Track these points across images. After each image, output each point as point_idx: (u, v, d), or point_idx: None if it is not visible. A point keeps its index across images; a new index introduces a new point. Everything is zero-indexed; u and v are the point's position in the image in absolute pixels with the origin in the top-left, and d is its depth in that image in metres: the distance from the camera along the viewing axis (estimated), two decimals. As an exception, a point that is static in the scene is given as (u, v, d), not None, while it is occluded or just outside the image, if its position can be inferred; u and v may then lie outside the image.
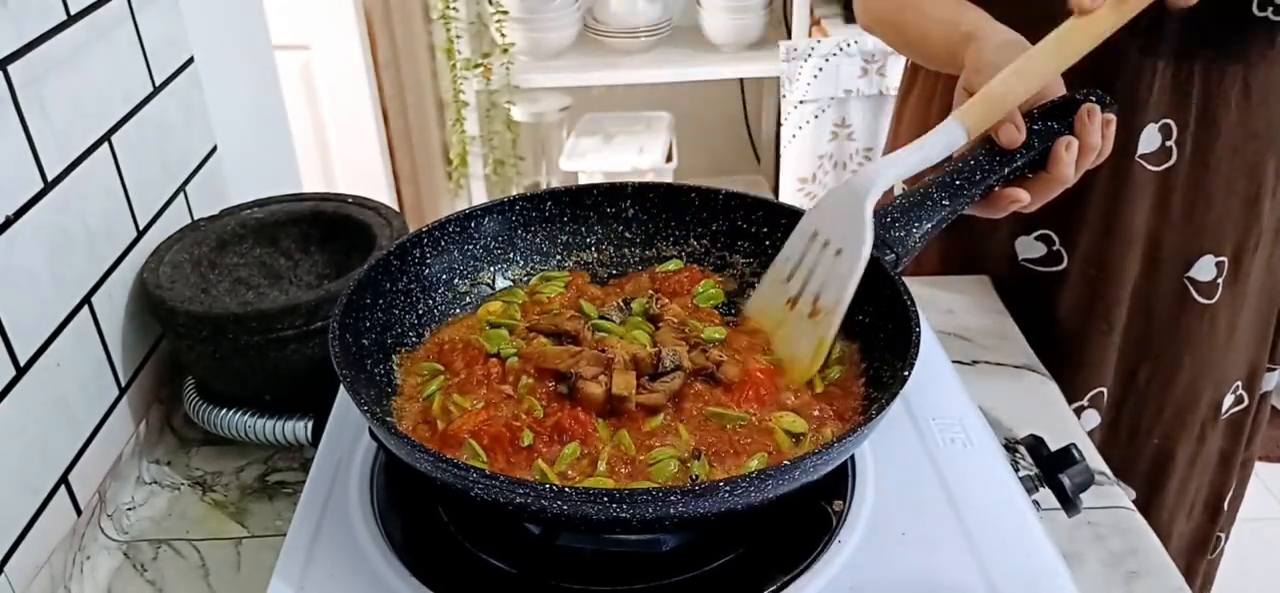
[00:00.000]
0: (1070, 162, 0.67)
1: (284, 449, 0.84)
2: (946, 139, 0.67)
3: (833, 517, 0.60)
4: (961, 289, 1.01)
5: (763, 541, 0.59)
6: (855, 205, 0.65)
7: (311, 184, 1.39)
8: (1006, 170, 0.68)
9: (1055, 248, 0.97)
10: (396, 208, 1.87)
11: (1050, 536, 0.60)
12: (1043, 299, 1.00)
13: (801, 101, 2.25)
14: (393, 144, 2.36)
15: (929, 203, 0.68)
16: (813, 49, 2.18)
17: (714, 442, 0.60)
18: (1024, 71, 0.67)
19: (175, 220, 0.92)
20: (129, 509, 0.79)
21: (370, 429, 0.65)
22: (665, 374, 0.64)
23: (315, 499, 0.63)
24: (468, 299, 0.75)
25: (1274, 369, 1.05)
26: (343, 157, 2.33)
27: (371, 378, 0.65)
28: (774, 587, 0.56)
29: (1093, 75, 0.70)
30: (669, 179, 2.40)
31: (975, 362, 0.91)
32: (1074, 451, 0.69)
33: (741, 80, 2.75)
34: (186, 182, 0.95)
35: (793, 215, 0.71)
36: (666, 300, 0.73)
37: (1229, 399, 1.03)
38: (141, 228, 0.87)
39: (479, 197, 2.60)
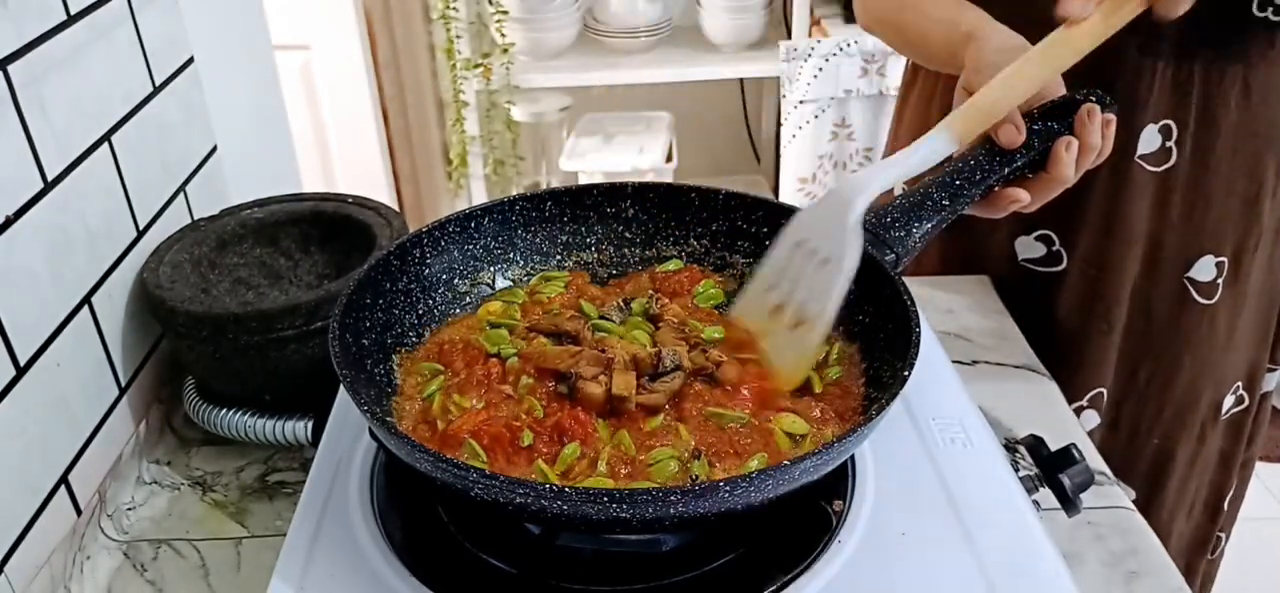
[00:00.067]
0: (1070, 162, 0.67)
1: (284, 449, 0.84)
2: (933, 148, 0.67)
3: (833, 517, 0.60)
4: (961, 289, 1.01)
5: (763, 541, 0.59)
6: (841, 215, 0.64)
7: (311, 184, 1.39)
8: (1006, 170, 0.68)
9: (1055, 248, 0.97)
10: (396, 208, 1.87)
11: (1050, 536, 0.60)
12: (1043, 299, 1.00)
13: (801, 101, 2.25)
14: (393, 144, 2.36)
15: (929, 203, 0.68)
16: (813, 49, 2.18)
17: (714, 442, 0.60)
18: (1012, 80, 0.67)
19: (175, 220, 0.92)
20: (129, 509, 0.79)
21: (370, 429, 0.65)
22: (665, 374, 0.64)
23: (315, 499, 0.63)
24: (468, 299, 0.75)
25: (1274, 369, 1.05)
26: (343, 157, 2.33)
27: (371, 378, 0.65)
28: (774, 587, 0.56)
29: (1093, 75, 0.70)
30: (669, 179, 2.40)
31: (975, 362, 0.91)
32: (1074, 451, 0.69)
33: (741, 80, 2.75)
34: (186, 182, 0.95)
35: (793, 215, 0.71)
36: (666, 300, 0.73)
37: (1229, 399, 1.03)
38: (141, 228, 0.87)
39: (479, 197, 2.60)
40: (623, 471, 0.58)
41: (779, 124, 2.35)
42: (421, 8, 2.43)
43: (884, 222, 0.69)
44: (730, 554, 0.59)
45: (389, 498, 0.63)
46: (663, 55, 2.48)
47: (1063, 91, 0.71)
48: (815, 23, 2.39)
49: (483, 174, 2.58)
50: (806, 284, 0.65)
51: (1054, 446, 0.71)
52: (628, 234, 0.80)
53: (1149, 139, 0.89)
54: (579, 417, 0.61)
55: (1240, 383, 1.03)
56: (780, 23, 2.57)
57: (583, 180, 2.37)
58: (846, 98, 2.24)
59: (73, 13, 0.76)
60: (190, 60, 0.96)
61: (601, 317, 0.71)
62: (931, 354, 0.75)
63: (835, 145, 2.31)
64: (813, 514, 0.60)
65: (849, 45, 2.17)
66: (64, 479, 0.74)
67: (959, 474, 0.64)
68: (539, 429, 0.60)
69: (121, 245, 0.84)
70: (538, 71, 2.44)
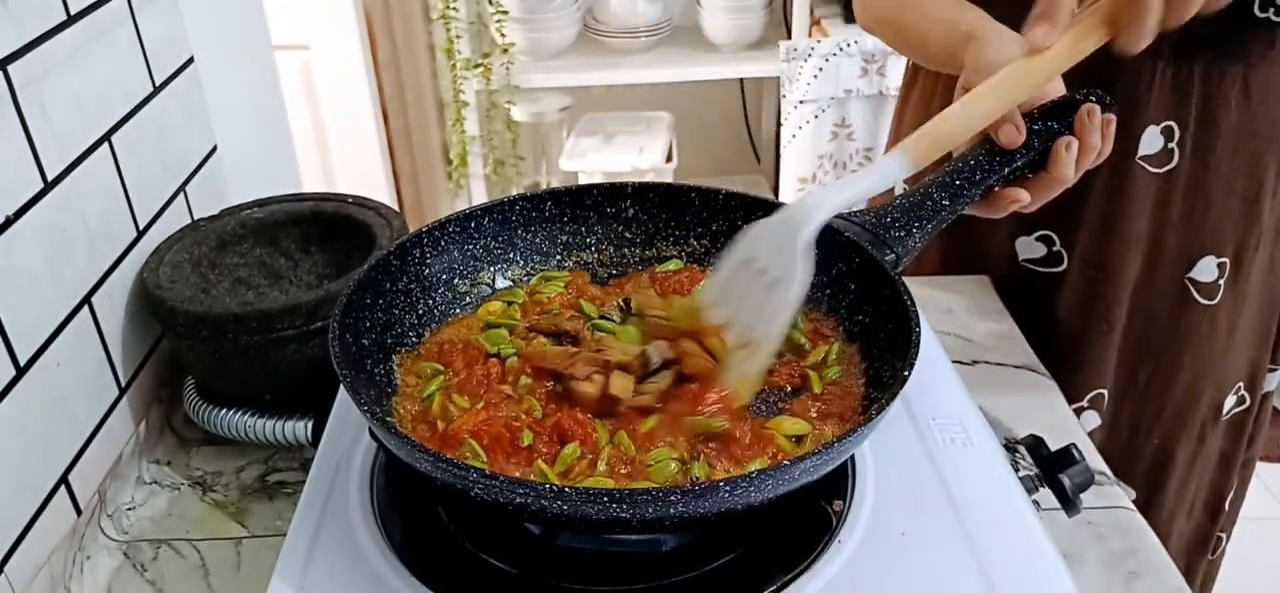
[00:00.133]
0: (1070, 161, 0.67)
1: (284, 449, 0.84)
2: (887, 172, 0.65)
3: (833, 517, 0.60)
4: (961, 289, 1.01)
5: (763, 541, 0.59)
6: (792, 235, 0.62)
7: (311, 184, 1.39)
8: (1006, 170, 0.68)
9: (1055, 248, 0.97)
10: (396, 208, 1.87)
11: (1050, 536, 0.59)
12: (1043, 300, 1.00)
13: (801, 101, 2.25)
14: (393, 144, 2.36)
15: (929, 203, 0.68)
16: (813, 49, 2.18)
17: (715, 443, 0.60)
18: (971, 106, 0.66)
19: (175, 220, 0.92)
20: (129, 509, 0.79)
21: (370, 429, 0.65)
22: (653, 374, 0.63)
23: (315, 499, 0.63)
24: (468, 299, 0.75)
25: (1275, 369, 1.05)
26: (343, 157, 2.33)
27: (371, 378, 0.65)
28: (774, 587, 0.56)
29: (1092, 76, 0.70)
30: (669, 179, 2.40)
31: (975, 362, 0.91)
32: (1074, 451, 0.69)
33: (741, 80, 2.75)
34: (186, 182, 0.95)
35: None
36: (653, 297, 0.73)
37: (1230, 400, 1.03)
38: (141, 228, 0.87)
39: (479, 197, 2.60)
40: (622, 470, 0.58)
41: (779, 124, 2.35)
42: (421, 8, 2.44)
43: (884, 222, 0.69)
44: (730, 554, 0.59)
45: (389, 498, 0.63)
46: (663, 55, 2.48)
47: (1062, 92, 0.71)
48: (815, 23, 2.39)
49: (483, 174, 2.58)
50: (753, 304, 0.64)
51: (1054, 446, 0.71)
52: (628, 234, 0.80)
53: (1150, 140, 0.89)
54: (578, 417, 0.61)
55: (1241, 383, 1.03)
56: (780, 23, 2.57)
57: (583, 180, 2.37)
58: (846, 98, 2.24)
59: (73, 13, 0.76)
60: (190, 60, 0.96)
61: (601, 316, 0.71)
62: (931, 354, 0.75)
63: (835, 145, 2.31)
64: (813, 514, 0.60)
65: (849, 45, 2.17)
66: (64, 479, 0.74)
67: (959, 474, 0.64)
68: (538, 429, 0.60)
69: (121, 245, 0.84)
70: (538, 71, 2.44)
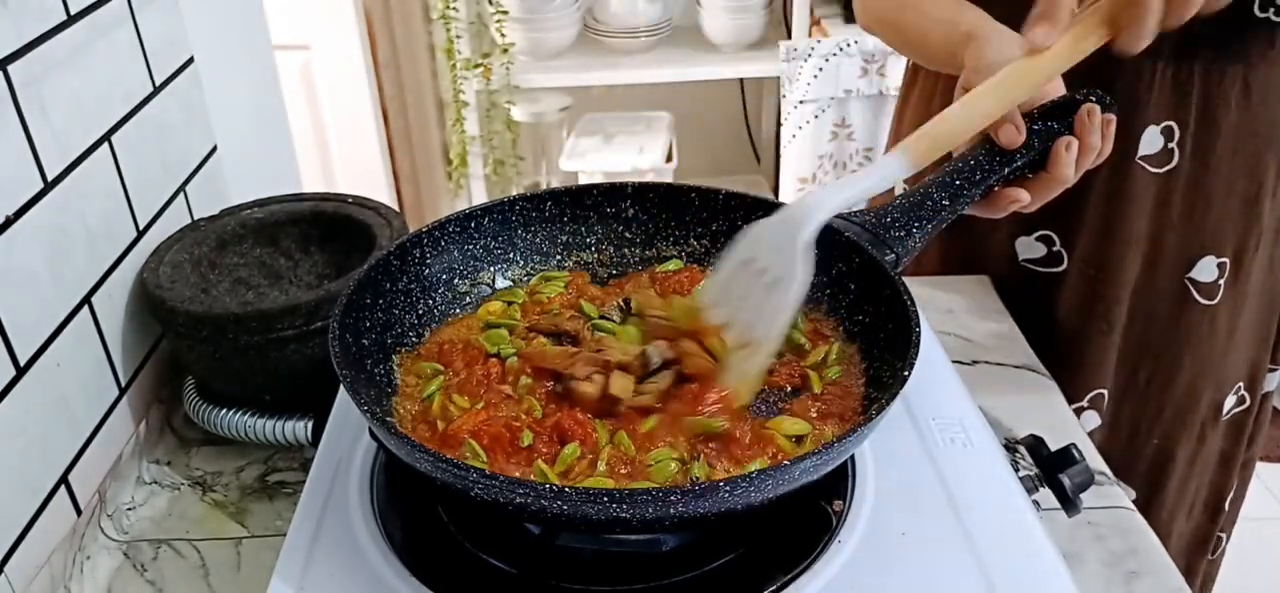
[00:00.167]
0: (1070, 161, 0.67)
1: (284, 449, 0.84)
2: (887, 172, 0.65)
3: (833, 517, 0.60)
4: (961, 289, 1.01)
5: (763, 541, 0.59)
6: (793, 235, 0.62)
7: (311, 184, 1.39)
8: (1006, 170, 0.68)
9: (1056, 249, 0.97)
10: (396, 208, 1.87)
11: (1050, 536, 0.60)
12: (1043, 300, 1.00)
13: (801, 101, 2.25)
14: (393, 144, 2.36)
15: (929, 203, 0.68)
16: (813, 49, 2.18)
17: (715, 443, 0.60)
18: (971, 107, 0.66)
19: (175, 220, 0.92)
20: (129, 509, 0.79)
21: (370, 429, 0.65)
22: (653, 374, 0.63)
23: (315, 499, 0.63)
24: (468, 299, 0.75)
25: (1275, 369, 1.05)
26: (343, 157, 2.33)
27: (371, 378, 0.65)
28: (774, 587, 0.56)
29: (1093, 76, 0.70)
30: (669, 179, 2.40)
31: (975, 362, 0.91)
32: (1074, 451, 0.69)
33: (741, 80, 2.75)
34: (186, 182, 0.95)
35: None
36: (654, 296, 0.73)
37: (1231, 400, 1.03)
38: (141, 228, 0.87)
39: (479, 197, 2.60)
40: (622, 470, 0.58)
41: (779, 124, 2.35)
42: (421, 8, 2.44)
43: (884, 222, 0.69)
44: (730, 554, 0.59)
45: (389, 498, 0.63)
46: (663, 55, 2.48)
47: (1062, 92, 0.71)
48: (815, 23, 2.39)
49: (483, 174, 2.58)
50: (753, 304, 0.64)
51: (1054, 446, 0.71)
52: (628, 234, 0.80)
53: (1150, 140, 0.89)
54: (578, 417, 0.61)
55: (1242, 383, 1.03)
56: (780, 23, 2.57)
57: (583, 180, 2.37)
58: (846, 98, 2.24)
59: (73, 13, 0.76)
60: (190, 60, 0.96)
61: (602, 316, 0.71)
62: (931, 354, 0.75)
63: (835, 145, 2.31)
64: (813, 514, 0.60)
65: (849, 45, 2.17)
66: (64, 479, 0.74)
67: (959, 474, 0.64)
68: (538, 429, 0.60)
69: (121, 245, 0.84)
70: (538, 71, 2.44)
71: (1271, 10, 0.83)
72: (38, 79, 0.72)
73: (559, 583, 0.58)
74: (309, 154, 2.24)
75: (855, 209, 0.70)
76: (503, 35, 2.36)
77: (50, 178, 0.74)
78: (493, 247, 0.77)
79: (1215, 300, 0.96)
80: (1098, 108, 0.68)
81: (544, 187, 1.90)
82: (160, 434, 0.88)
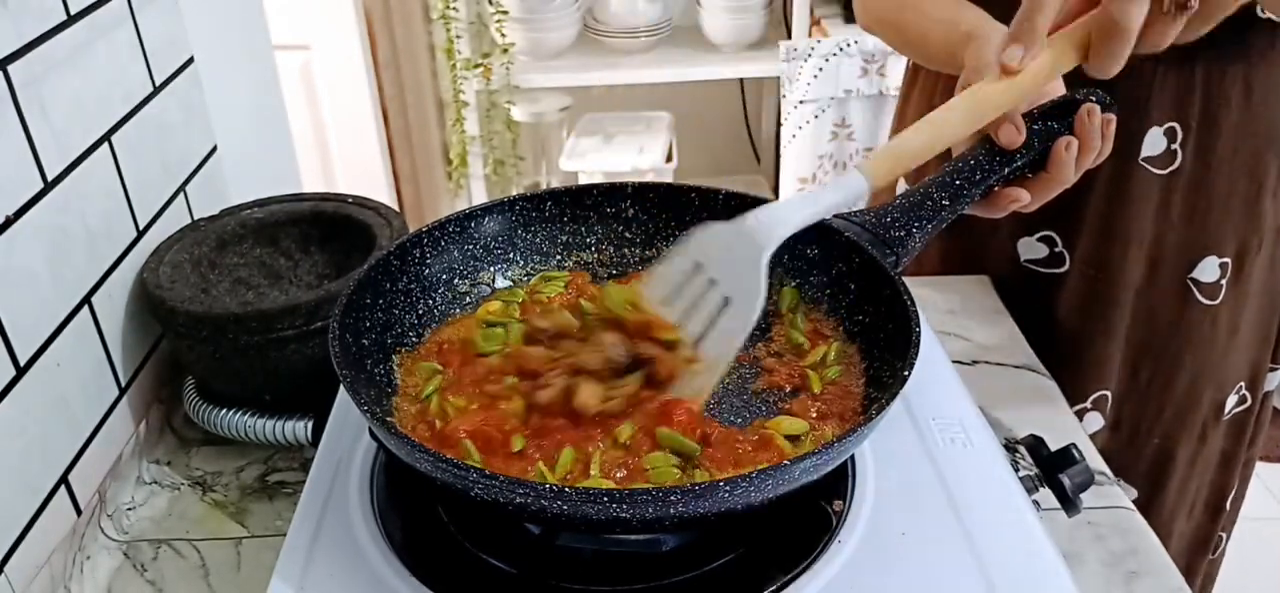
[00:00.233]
0: (1070, 161, 0.67)
1: (284, 449, 0.84)
2: (849, 189, 0.65)
3: (833, 517, 0.60)
4: (961, 289, 1.01)
5: (763, 541, 0.59)
6: (753, 256, 0.61)
7: (311, 184, 1.39)
8: (1006, 170, 0.68)
9: (1057, 249, 0.97)
10: (396, 208, 1.87)
11: (1050, 536, 0.59)
12: (1044, 301, 1.00)
13: (801, 101, 2.25)
14: (393, 144, 2.36)
15: (929, 203, 0.68)
16: (813, 49, 2.18)
17: (715, 446, 0.60)
18: (936, 126, 0.65)
19: (175, 220, 0.92)
20: (129, 509, 0.79)
21: (370, 429, 0.65)
22: (623, 373, 0.62)
23: (315, 499, 0.63)
24: (468, 299, 0.75)
25: (1276, 369, 1.05)
26: (343, 157, 2.33)
27: (371, 378, 0.65)
28: (774, 587, 0.56)
29: (1093, 77, 0.70)
30: (669, 179, 2.40)
31: (975, 362, 0.91)
32: (1074, 451, 0.69)
33: (741, 80, 2.75)
34: (186, 182, 0.95)
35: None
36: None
37: (1232, 399, 1.03)
38: (141, 228, 0.87)
39: (479, 197, 2.60)
40: (618, 474, 0.58)
41: (779, 124, 2.35)
42: (421, 8, 2.44)
43: (884, 221, 0.69)
44: (730, 554, 0.59)
45: (389, 498, 0.63)
46: (663, 55, 2.48)
47: (1062, 92, 0.71)
48: (815, 23, 2.39)
49: (483, 174, 2.58)
50: (704, 317, 0.62)
51: (1054, 446, 0.71)
52: (628, 234, 0.80)
53: (1153, 142, 0.89)
54: (553, 423, 0.60)
55: (1243, 383, 1.03)
56: (780, 23, 2.57)
57: (583, 180, 2.37)
58: (846, 98, 2.24)
59: (73, 13, 0.76)
60: (190, 60, 0.96)
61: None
62: (931, 354, 0.75)
63: (835, 145, 2.31)
64: (813, 514, 0.60)
65: (849, 45, 2.17)
66: (64, 479, 0.74)
67: (959, 474, 0.64)
68: (525, 432, 0.60)
69: (121, 245, 0.84)
70: (538, 71, 2.44)
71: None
72: (38, 79, 0.72)
73: (559, 583, 0.58)
74: (309, 154, 2.25)
75: (855, 209, 0.70)
76: (503, 35, 2.36)
77: (50, 178, 0.74)
78: (493, 247, 0.77)
79: (1217, 300, 0.96)
80: (1098, 108, 0.68)
81: (544, 187, 1.90)
82: (160, 434, 0.88)
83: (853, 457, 0.64)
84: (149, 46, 0.88)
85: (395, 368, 0.68)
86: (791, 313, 0.73)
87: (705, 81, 2.53)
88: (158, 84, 0.90)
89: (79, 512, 0.76)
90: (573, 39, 2.46)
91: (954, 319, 0.97)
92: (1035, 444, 0.72)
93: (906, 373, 0.57)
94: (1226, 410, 1.03)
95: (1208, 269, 0.94)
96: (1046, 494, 0.68)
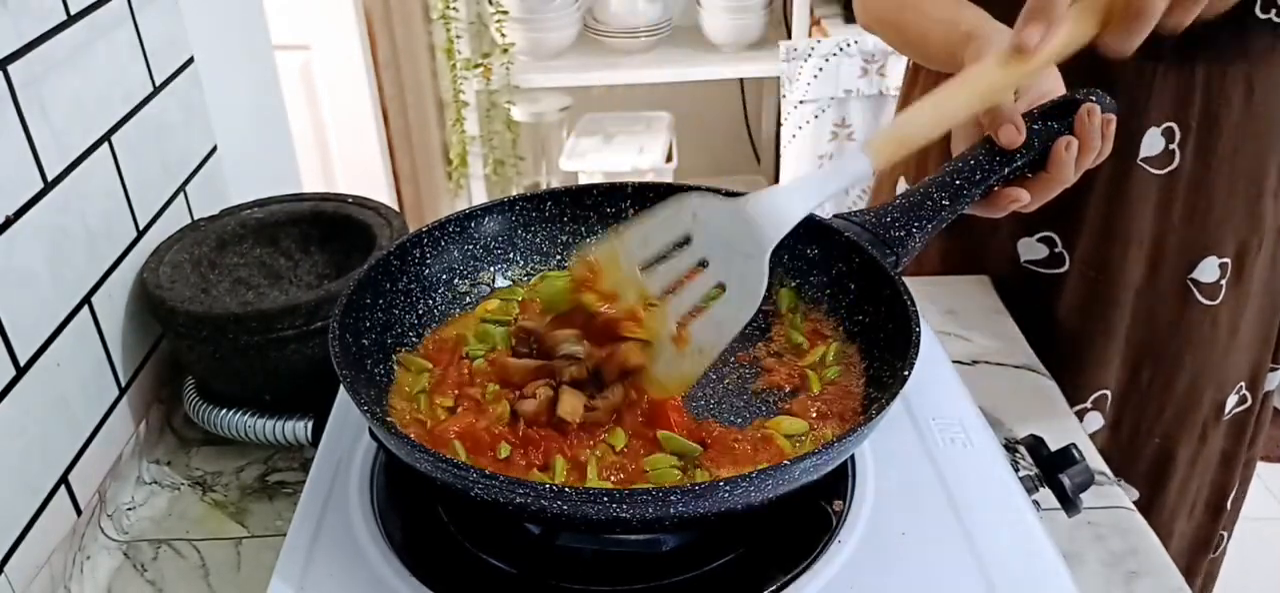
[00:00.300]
0: (1070, 161, 0.67)
1: (284, 449, 0.84)
2: (852, 171, 0.62)
3: (833, 517, 0.60)
4: (961, 289, 1.01)
5: (763, 541, 0.59)
6: (756, 249, 0.59)
7: (311, 184, 1.39)
8: (1006, 170, 0.68)
9: (1057, 250, 0.97)
10: (396, 208, 1.87)
11: (1050, 536, 0.59)
12: (1044, 301, 1.00)
13: (801, 101, 2.25)
14: (393, 144, 2.36)
15: (929, 203, 0.68)
16: (813, 49, 2.18)
17: (715, 446, 0.60)
18: (939, 106, 0.63)
19: (175, 220, 0.92)
20: (129, 509, 0.79)
21: (370, 429, 0.65)
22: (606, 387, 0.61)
23: (315, 499, 0.63)
24: (468, 299, 0.75)
25: (1276, 369, 1.05)
26: (343, 157, 2.33)
27: (371, 378, 0.65)
28: (774, 587, 0.56)
29: (1093, 77, 0.70)
30: (669, 179, 2.40)
31: (975, 362, 0.91)
32: (1074, 451, 0.69)
33: (741, 80, 2.75)
34: (186, 182, 0.95)
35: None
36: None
37: (1232, 399, 1.03)
38: (141, 228, 0.87)
39: (479, 197, 2.60)
40: (614, 478, 0.58)
41: (779, 124, 2.35)
42: (421, 8, 2.44)
43: (884, 221, 0.69)
44: (730, 554, 0.59)
45: (389, 498, 0.63)
46: (663, 55, 2.48)
47: (1062, 92, 0.71)
48: (815, 23, 2.39)
49: (483, 174, 2.58)
50: (693, 298, 0.60)
51: (1054, 446, 0.71)
52: (628, 234, 0.79)
53: (1152, 142, 0.89)
54: (538, 433, 0.60)
55: (1243, 383, 1.03)
56: (780, 23, 2.57)
57: (583, 180, 2.37)
58: (846, 98, 2.24)
59: (73, 13, 0.76)
60: (190, 60, 0.96)
61: None
62: (931, 354, 0.75)
63: (835, 145, 2.31)
64: (813, 514, 0.60)
65: (849, 45, 2.17)
66: (64, 479, 0.74)
67: (959, 474, 0.64)
68: (511, 438, 0.60)
69: (121, 245, 0.84)
70: (538, 71, 2.44)
71: (1273, 11, 0.82)
72: (38, 79, 0.72)
73: (559, 583, 0.58)
74: (309, 154, 2.25)
75: (855, 209, 0.70)
76: (503, 35, 2.36)
77: (50, 178, 0.74)
78: (493, 247, 0.77)
79: (1217, 301, 0.96)
80: (1098, 107, 0.68)
81: (544, 187, 1.90)
82: (160, 434, 0.88)
83: (853, 457, 0.64)
84: (149, 46, 0.88)
85: (395, 368, 0.68)
86: (791, 313, 0.73)
87: (705, 81, 2.53)
88: (158, 84, 0.90)
89: (79, 512, 0.76)
90: (573, 39, 2.46)
91: (954, 319, 0.97)
92: (1035, 444, 0.72)
93: (906, 373, 0.57)
94: (1227, 410, 1.03)
95: (1208, 269, 0.94)
96: (1046, 494, 0.68)
